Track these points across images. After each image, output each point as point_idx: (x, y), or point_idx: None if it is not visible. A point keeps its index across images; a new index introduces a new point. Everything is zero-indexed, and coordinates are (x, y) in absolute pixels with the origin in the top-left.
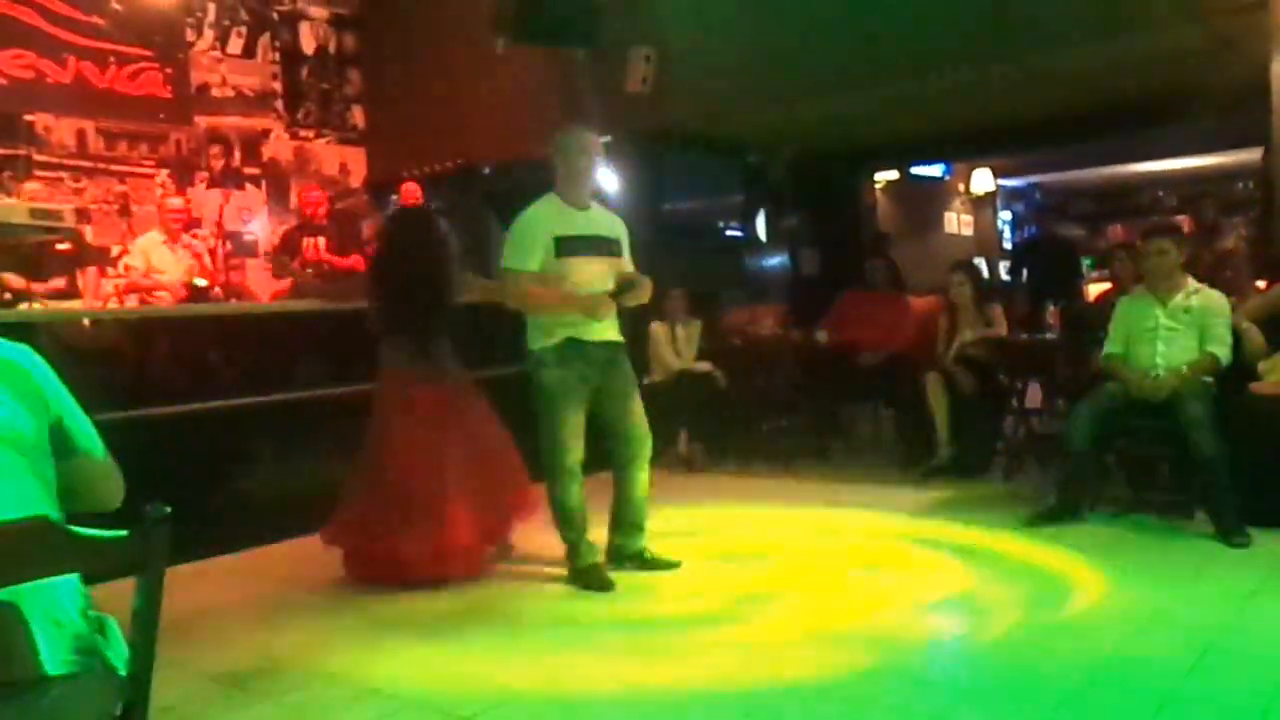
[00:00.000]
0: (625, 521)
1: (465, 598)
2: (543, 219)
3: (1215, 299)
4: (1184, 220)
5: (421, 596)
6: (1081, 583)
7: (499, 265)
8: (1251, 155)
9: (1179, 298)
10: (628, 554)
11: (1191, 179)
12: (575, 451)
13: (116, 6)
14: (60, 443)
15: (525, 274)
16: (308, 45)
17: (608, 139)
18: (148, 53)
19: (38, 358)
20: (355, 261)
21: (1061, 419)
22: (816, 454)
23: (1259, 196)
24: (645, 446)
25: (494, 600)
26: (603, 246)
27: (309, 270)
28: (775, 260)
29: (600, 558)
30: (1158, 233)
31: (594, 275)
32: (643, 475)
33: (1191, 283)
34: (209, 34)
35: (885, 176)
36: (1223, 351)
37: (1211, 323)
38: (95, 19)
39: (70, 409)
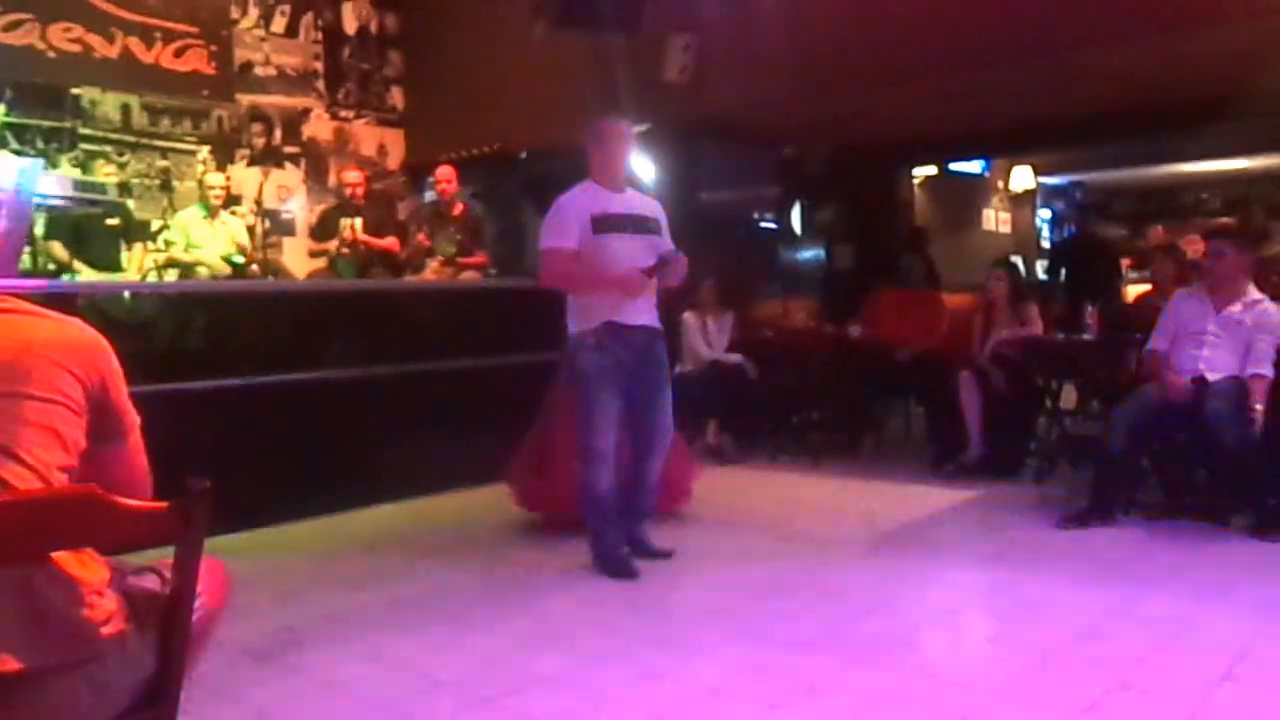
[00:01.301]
0: (633, 508)
1: (493, 580)
2: (580, 200)
3: (1269, 315)
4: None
5: (446, 578)
6: (1106, 588)
7: (537, 246)
8: None
9: (1235, 307)
10: (627, 540)
11: (1237, 181)
12: (609, 436)
13: None
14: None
15: (564, 253)
16: (349, 25)
17: (645, 127)
18: (193, 29)
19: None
20: (391, 243)
21: (1095, 421)
22: (846, 449)
23: None
24: (667, 439)
25: (521, 585)
26: (640, 225)
27: (345, 250)
28: (810, 254)
29: (624, 546)
30: (1217, 234)
31: (632, 252)
32: (658, 465)
33: (1252, 292)
34: (253, 12)
35: (924, 172)
36: (1267, 369)
37: (1257, 340)
38: None
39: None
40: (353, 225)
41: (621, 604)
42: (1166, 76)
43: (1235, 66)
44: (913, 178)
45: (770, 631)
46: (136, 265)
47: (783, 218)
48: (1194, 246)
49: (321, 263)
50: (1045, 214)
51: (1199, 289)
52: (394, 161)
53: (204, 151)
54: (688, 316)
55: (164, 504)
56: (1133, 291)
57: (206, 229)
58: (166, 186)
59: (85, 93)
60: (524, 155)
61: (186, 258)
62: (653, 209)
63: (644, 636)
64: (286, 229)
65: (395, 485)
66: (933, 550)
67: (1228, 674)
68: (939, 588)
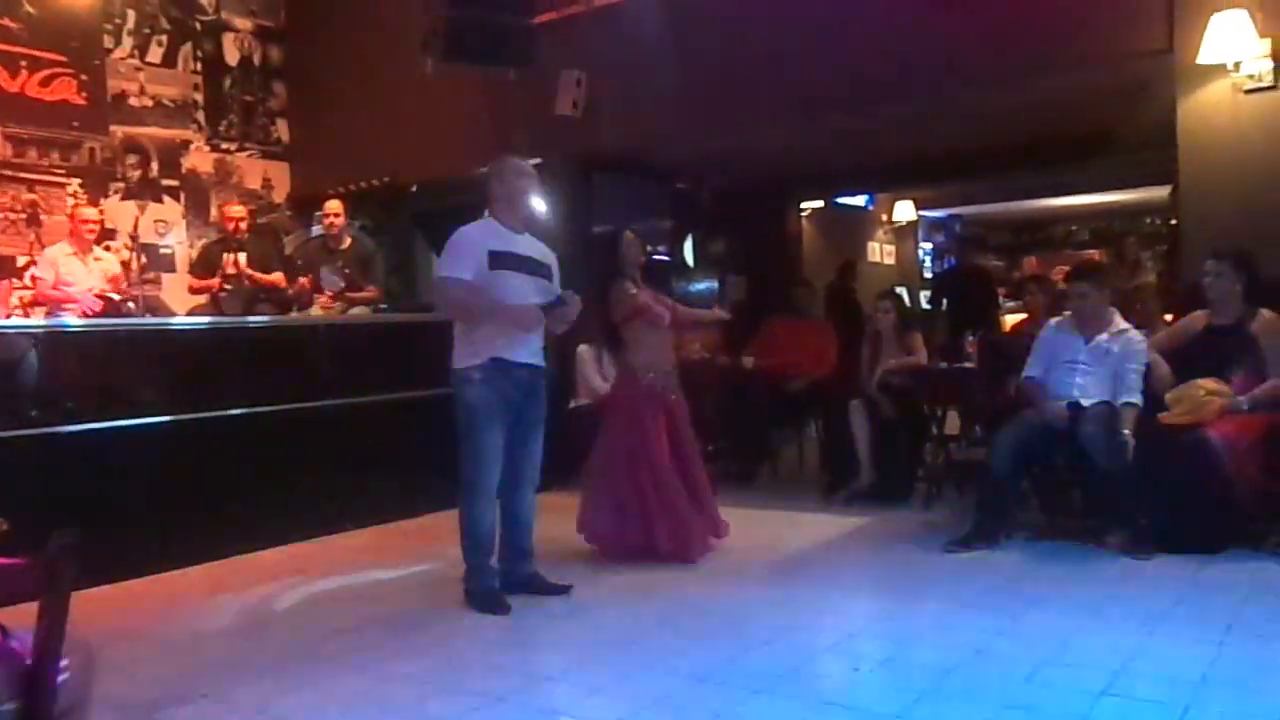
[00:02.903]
0: (514, 546)
1: (387, 623)
2: (478, 235)
3: (1134, 345)
4: (1098, 254)
5: (337, 622)
6: (995, 608)
7: (435, 276)
8: (1159, 192)
9: (1103, 337)
10: (517, 580)
11: (1104, 214)
12: (494, 472)
13: (30, 10)
14: None
15: (461, 282)
16: (231, 56)
17: (538, 161)
18: (61, 58)
19: None
20: (277, 278)
21: (979, 446)
22: (743, 478)
23: (1166, 233)
24: (536, 474)
25: (416, 626)
26: (535, 267)
27: (228, 285)
28: (703, 285)
29: (497, 581)
30: (1079, 276)
31: (526, 292)
32: (532, 499)
33: (1117, 322)
34: (128, 41)
35: (811, 205)
36: (1136, 398)
37: (1125, 368)
38: (7, 21)
39: None
40: (236, 260)
41: (519, 642)
42: (1035, 116)
43: (1098, 106)
44: (800, 210)
45: (672, 663)
46: (2, 302)
47: (676, 250)
48: (1064, 276)
49: (203, 299)
50: (927, 246)
51: (1068, 321)
52: (279, 194)
53: (74, 184)
54: (582, 349)
55: (24, 559)
56: (1009, 321)
57: (77, 265)
58: (34, 220)
59: None
60: (415, 188)
61: (56, 294)
62: (548, 256)
63: (542, 673)
64: (165, 264)
65: (286, 528)
66: (828, 577)
67: (1108, 689)
68: (835, 614)
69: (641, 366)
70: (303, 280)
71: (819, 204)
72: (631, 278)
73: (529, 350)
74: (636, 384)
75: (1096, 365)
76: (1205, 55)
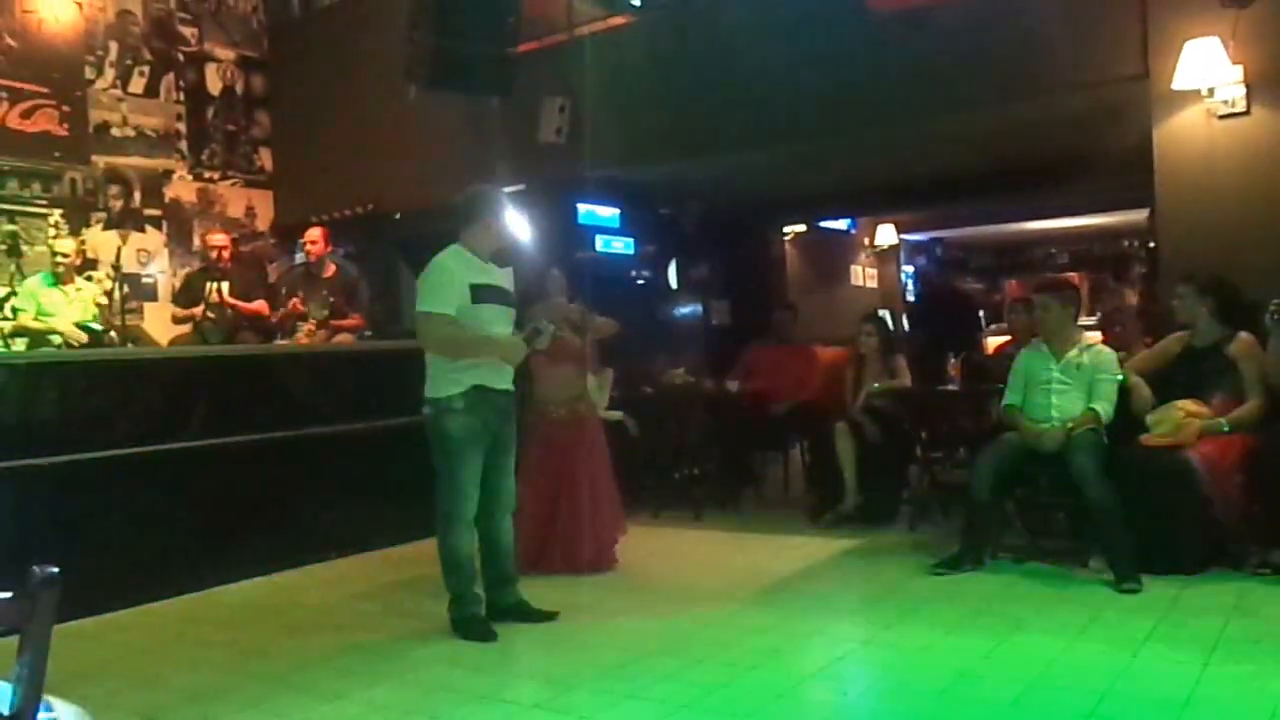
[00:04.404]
0: (497, 574)
1: (361, 651)
2: (457, 267)
3: (1104, 356)
4: (1075, 277)
5: (311, 652)
6: (981, 631)
7: (418, 312)
8: (1138, 216)
9: (1072, 353)
10: (502, 607)
11: (1083, 237)
12: (473, 501)
13: (11, 43)
14: None
15: (446, 318)
16: (214, 86)
17: (520, 187)
18: (43, 89)
19: None
20: (260, 306)
21: (963, 468)
22: (728, 502)
23: (1144, 255)
24: (513, 498)
25: (391, 655)
26: (506, 297)
27: (211, 315)
28: (687, 310)
29: (482, 609)
30: (1044, 290)
31: (504, 324)
32: (509, 524)
33: (1085, 338)
34: (110, 73)
35: (793, 229)
36: (1104, 408)
37: (1098, 379)
38: None
39: None
40: (218, 289)
41: (505, 670)
42: (1013, 140)
43: (1076, 131)
44: (783, 235)
45: (658, 691)
46: None
47: (660, 275)
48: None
49: (186, 329)
50: (909, 269)
51: (1039, 341)
52: (263, 223)
53: (56, 215)
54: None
55: (5, 592)
56: (992, 342)
57: (58, 295)
58: (14, 251)
59: None
60: (398, 216)
61: (37, 325)
62: (511, 283)
63: (529, 701)
64: (148, 294)
65: (267, 557)
66: (814, 601)
67: (1094, 711)
68: (821, 639)
69: (538, 398)
70: (294, 301)
71: (802, 228)
72: (546, 317)
73: (506, 377)
74: (534, 410)
75: (1071, 381)
76: (1180, 81)
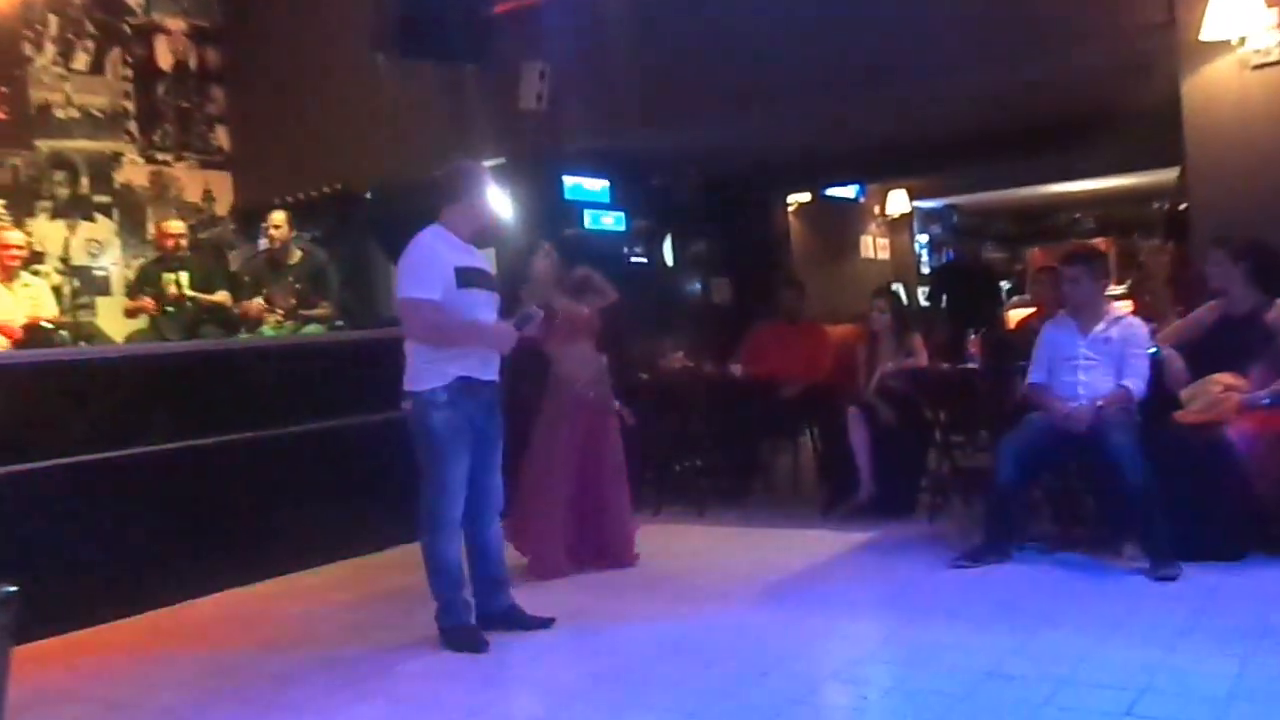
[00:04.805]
0: (487, 579)
1: (344, 664)
2: (440, 250)
3: (1135, 329)
4: (1102, 243)
5: (290, 666)
6: (1008, 627)
7: (402, 298)
8: (1168, 175)
9: (1100, 326)
10: (494, 614)
11: (1109, 200)
12: (460, 502)
13: None
14: None
15: (431, 304)
16: (164, 60)
17: (500, 160)
18: None
19: None
20: (222, 298)
21: (985, 452)
22: (733, 495)
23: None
24: (500, 500)
25: (375, 667)
26: (489, 281)
27: (169, 308)
28: (685, 288)
29: (473, 616)
30: (1073, 260)
31: (490, 309)
32: (498, 527)
33: (1114, 309)
34: (50, 49)
35: (798, 199)
36: (1136, 384)
37: (1129, 354)
38: None
39: None
40: (176, 280)
41: (499, 681)
42: (1033, 98)
43: (1097, 87)
44: (787, 205)
45: (666, 700)
46: None
47: (654, 252)
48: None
49: (142, 323)
50: (923, 238)
51: (1063, 316)
52: (222, 207)
53: None
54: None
55: None
56: (1014, 316)
57: (2, 293)
58: None
59: None
60: (369, 195)
61: None
62: (493, 266)
63: (526, 714)
64: (100, 288)
65: (243, 569)
66: (828, 600)
67: (1130, 709)
68: (836, 640)
69: (564, 379)
70: (258, 301)
71: (807, 197)
72: (540, 295)
73: (493, 367)
74: (561, 393)
75: (1098, 357)
76: (1209, 30)
